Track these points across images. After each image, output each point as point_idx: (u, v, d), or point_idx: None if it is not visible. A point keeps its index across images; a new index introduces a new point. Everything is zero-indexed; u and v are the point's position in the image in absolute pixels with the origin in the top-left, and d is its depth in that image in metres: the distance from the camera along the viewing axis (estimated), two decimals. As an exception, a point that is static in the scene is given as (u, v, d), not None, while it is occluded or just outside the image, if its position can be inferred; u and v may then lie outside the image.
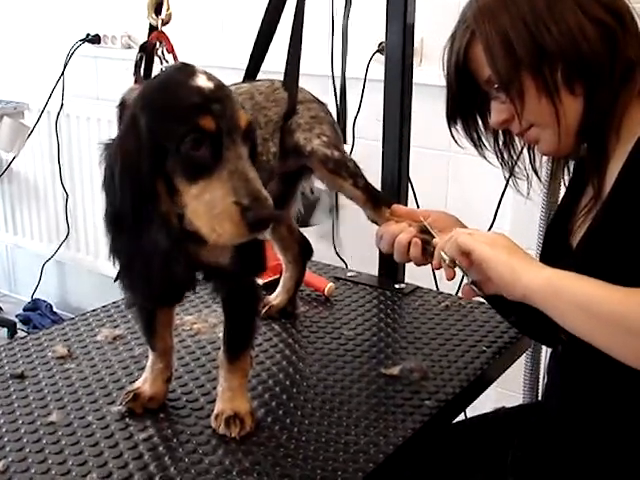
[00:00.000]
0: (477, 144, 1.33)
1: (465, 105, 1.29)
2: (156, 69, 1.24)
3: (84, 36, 3.19)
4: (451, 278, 1.19)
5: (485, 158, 1.35)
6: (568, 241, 1.26)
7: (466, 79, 1.23)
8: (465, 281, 1.21)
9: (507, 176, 1.38)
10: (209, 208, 1.00)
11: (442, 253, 1.19)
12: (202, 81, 1.03)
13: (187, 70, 1.05)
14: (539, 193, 1.77)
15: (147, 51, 1.26)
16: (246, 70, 1.48)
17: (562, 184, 1.41)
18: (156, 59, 1.28)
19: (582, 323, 1.02)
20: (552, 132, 1.19)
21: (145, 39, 1.30)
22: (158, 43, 1.28)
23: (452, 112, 1.30)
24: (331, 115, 1.51)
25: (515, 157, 1.34)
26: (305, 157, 1.41)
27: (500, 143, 1.33)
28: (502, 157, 1.34)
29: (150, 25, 1.29)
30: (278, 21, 1.48)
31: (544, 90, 1.15)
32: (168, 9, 1.30)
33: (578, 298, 1.02)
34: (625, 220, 1.09)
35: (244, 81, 1.46)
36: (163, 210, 1.03)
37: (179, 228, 1.04)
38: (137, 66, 1.30)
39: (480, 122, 1.31)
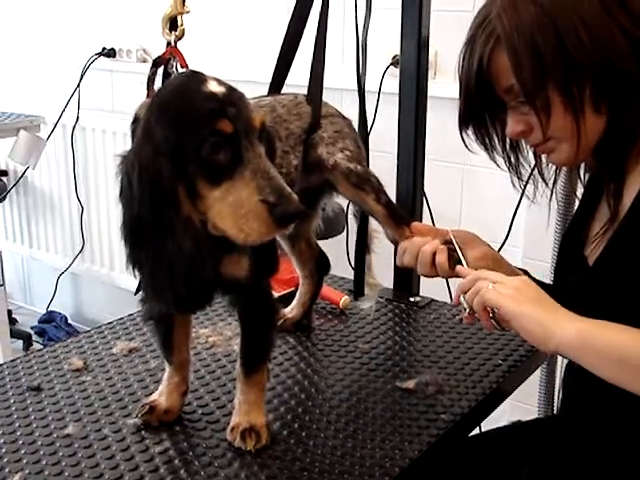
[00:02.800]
0: (488, 148, 1.31)
1: (480, 110, 1.26)
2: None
3: (100, 50, 3.22)
4: (471, 323, 1.19)
5: (496, 163, 1.33)
6: (583, 252, 1.25)
7: (484, 85, 1.19)
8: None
9: (516, 182, 1.36)
10: (235, 209, 1.01)
11: (462, 299, 1.18)
12: (214, 86, 1.04)
13: (197, 77, 1.05)
14: (554, 207, 1.77)
15: (159, 66, 1.27)
16: (270, 84, 1.49)
17: (576, 197, 1.41)
18: (171, 74, 1.29)
19: (616, 373, 1.03)
20: (569, 147, 1.17)
21: (161, 52, 1.31)
22: (172, 58, 1.29)
23: (465, 117, 1.27)
24: (355, 130, 1.51)
25: (522, 161, 1.33)
26: (328, 170, 1.41)
27: (508, 147, 1.32)
28: (509, 161, 1.33)
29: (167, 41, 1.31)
30: (302, 34, 1.49)
31: (570, 106, 1.12)
32: (182, 25, 1.31)
33: (610, 350, 1.03)
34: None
35: (268, 95, 1.47)
36: (186, 215, 1.03)
37: (203, 233, 1.05)
38: (150, 81, 1.31)
39: (492, 128, 1.29)
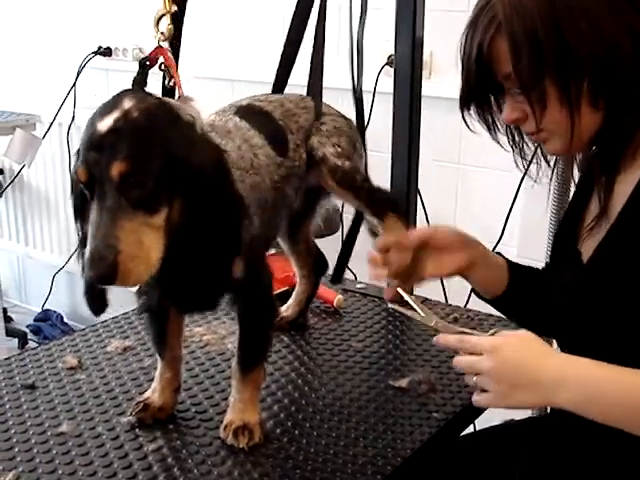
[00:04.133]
0: (490, 127, 1.28)
1: (480, 93, 1.23)
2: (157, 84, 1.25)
3: (96, 49, 3.22)
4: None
5: (498, 143, 1.30)
6: (576, 245, 1.25)
7: (484, 70, 1.17)
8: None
9: (519, 161, 1.32)
10: None
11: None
12: (106, 120, 0.99)
13: (113, 101, 1.02)
14: (548, 205, 1.78)
15: (146, 67, 1.27)
16: (273, 86, 1.50)
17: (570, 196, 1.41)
18: (160, 74, 1.29)
19: (620, 422, 1.03)
20: (562, 139, 1.16)
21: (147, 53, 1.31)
22: (161, 58, 1.29)
23: (466, 98, 1.24)
24: (356, 133, 1.51)
25: (526, 139, 1.28)
26: (315, 163, 1.40)
27: (512, 125, 1.28)
28: (513, 139, 1.30)
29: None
30: (302, 37, 1.50)
31: (566, 100, 1.11)
32: (169, 24, 1.31)
33: (613, 407, 1.03)
34: (635, 242, 1.08)
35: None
36: None
37: None
38: (135, 83, 1.30)
39: (494, 108, 1.26)
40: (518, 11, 1.09)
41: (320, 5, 1.51)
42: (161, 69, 1.27)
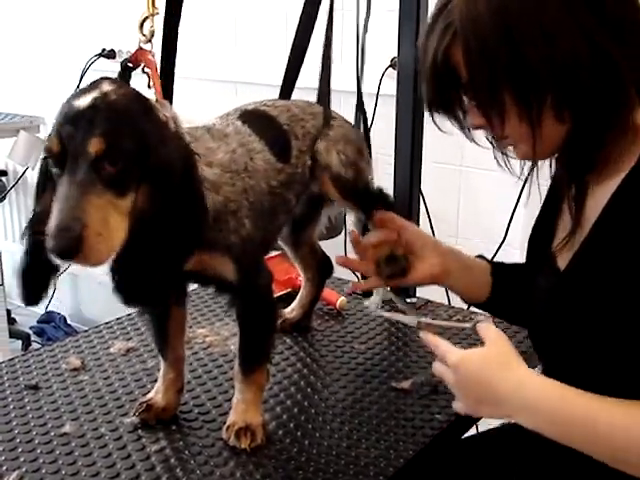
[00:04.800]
0: (463, 127, 1.21)
1: (441, 98, 1.15)
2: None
3: (99, 51, 3.22)
4: None
5: (472, 140, 1.22)
6: (551, 247, 1.23)
7: (443, 79, 1.10)
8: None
9: (499, 157, 1.22)
10: None
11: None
12: (84, 98, 0.99)
13: (93, 85, 1.02)
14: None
15: (128, 70, 1.27)
16: (280, 92, 1.51)
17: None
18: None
19: (578, 447, 1.03)
20: (527, 148, 1.09)
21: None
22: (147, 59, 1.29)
23: (429, 104, 1.16)
24: (363, 141, 1.51)
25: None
26: (320, 168, 1.40)
27: None
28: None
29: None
30: (308, 44, 1.51)
31: (526, 116, 1.04)
32: (152, 26, 1.32)
33: (565, 433, 1.03)
34: (612, 253, 1.05)
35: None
36: None
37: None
38: None
39: (459, 111, 1.17)
40: (473, 20, 1.01)
41: (329, 13, 1.51)
42: (144, 71, 1.28)
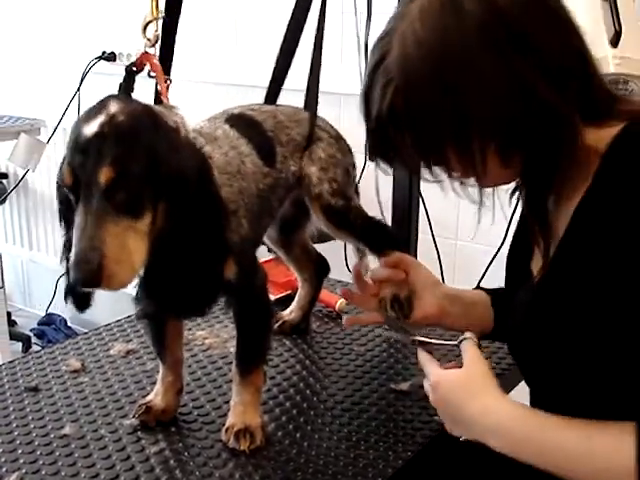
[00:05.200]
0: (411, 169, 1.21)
1: (390, 144, 1.10)
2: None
3: (100, 54, 3.23)
4: None
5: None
6: (529, 265, 1.23)
7: (384, 130, 1.06)
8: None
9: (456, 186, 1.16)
10: None
11: None
12: (91, 125, 0.99)
13: (100, 106, 1.02)
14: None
15: (132, 74, 1.28)
16: (265, 98, 1.50)
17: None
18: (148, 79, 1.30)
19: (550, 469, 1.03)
20: (480, 184, 1.09)
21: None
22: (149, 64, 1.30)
23: (375, 151, 1.13)
24: (350, 155, 1.50)
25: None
26: (310, 197, 1.40)
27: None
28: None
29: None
30: (295, 50, 1.51)
31: (471, 169, 1.03)
32: (156, 30, 1.32)
33: (533, 457, 1.03)
34: (575, 272, 1.04)
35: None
36: None
37: None
38: (121, 89, 1.31)
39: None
40: (408, 76, 0.99)
41: (318, 24, 1.51)
42: (150, 76, 1.28)
